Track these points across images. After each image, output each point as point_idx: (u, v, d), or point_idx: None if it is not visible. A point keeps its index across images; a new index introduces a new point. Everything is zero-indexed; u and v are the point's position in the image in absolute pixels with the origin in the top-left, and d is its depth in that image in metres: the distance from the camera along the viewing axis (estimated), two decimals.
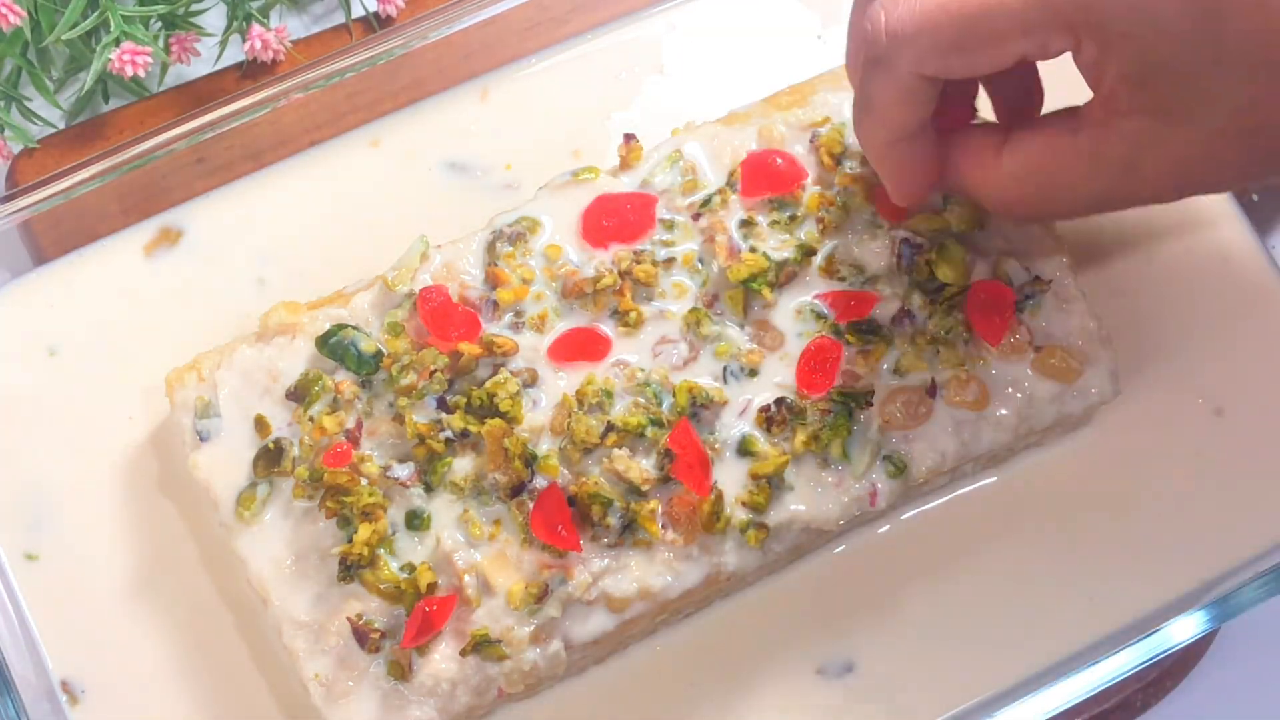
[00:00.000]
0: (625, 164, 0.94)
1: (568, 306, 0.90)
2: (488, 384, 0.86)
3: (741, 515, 0.86)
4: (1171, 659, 0.98)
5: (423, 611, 0.83)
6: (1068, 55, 0.75)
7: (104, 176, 0.96)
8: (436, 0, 1.09)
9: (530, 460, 0.85)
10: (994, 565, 0.95)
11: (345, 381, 0.88)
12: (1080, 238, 0.99)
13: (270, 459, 0.87)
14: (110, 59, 1.01)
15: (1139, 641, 0.90)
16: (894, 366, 0.89)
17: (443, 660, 0.84)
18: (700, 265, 0.91)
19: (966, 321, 0.89)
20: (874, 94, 0.80)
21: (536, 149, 1.01)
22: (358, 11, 1.10)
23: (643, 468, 0.85)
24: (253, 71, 1.08)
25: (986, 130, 0.84)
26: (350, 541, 0.84)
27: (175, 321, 0.97)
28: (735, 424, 0.88)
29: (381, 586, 0.84)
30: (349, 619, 0.84)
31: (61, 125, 1.07)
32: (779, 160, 0.93)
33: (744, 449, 0.87)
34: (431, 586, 0.84)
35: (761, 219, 0.92)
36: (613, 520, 0.85)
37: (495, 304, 0.90)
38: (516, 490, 0.85)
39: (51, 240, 0.99)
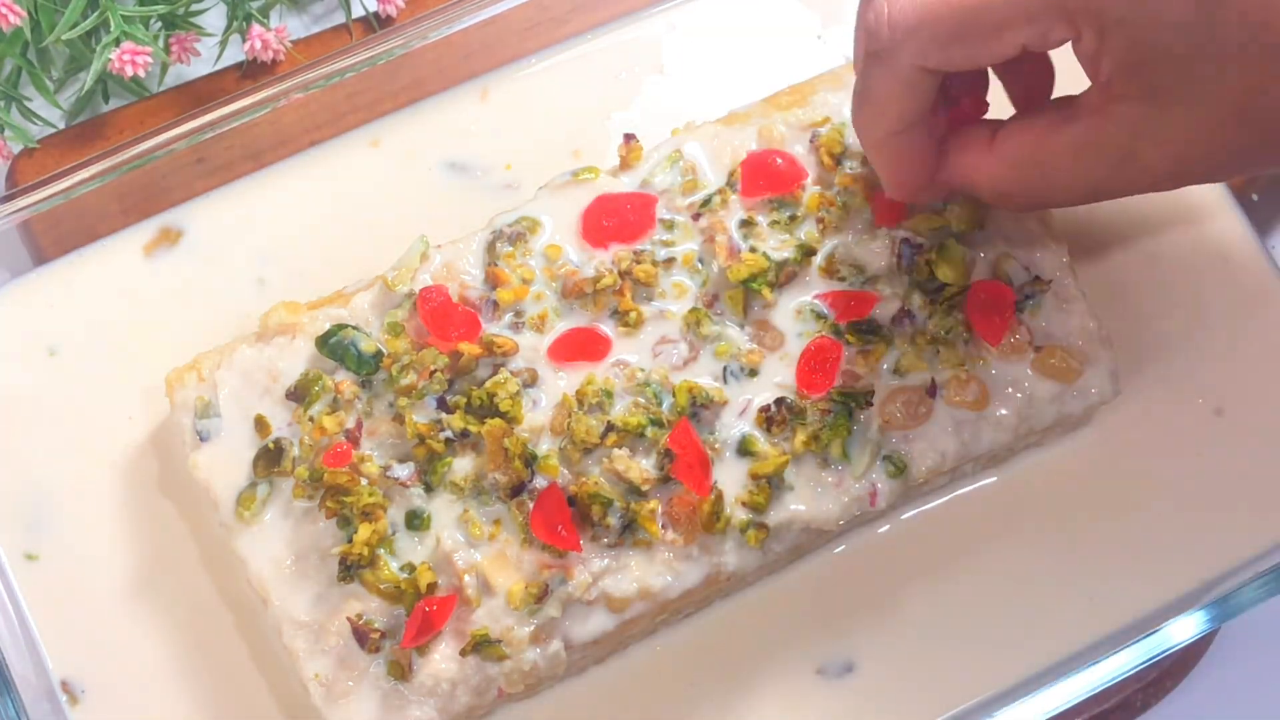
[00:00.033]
0: (625, 164, 0.94)
1: (568, 306, 0.90)
2: (488, 384, 0.86)
3: (741, 515, 0.86)
4: (1171, 659, 0.98)
5: (423, 611, 0.83)
6: (1067, 47, 0.75)
7: (104, 176, 0.96)
8: (436, 0, 1.09)
9: (530, 460, 0.85)
10: (994, 565, 0.95)
11: (345, 381, 0.88)
12: (1080, 237, 0.99)
13: (270, 459, 0.87)
14: (110, 59, 1.01)
15: (1139, 641, 0.90)
16: (894, 366, 0.89)
17: (443, 660, 0.84)
18: (700, 265, 0.91)
19: (966, 321, 0.89)
20: (874, 85, 0.80)
21: (536, 149, 1.01)
22: (358, 11, 1.10)
23: (643, 468, 0.85)
24: (253, 71, 1.08)
25: (980, 123, 0.84)
26: (350, 541, 0.84)
27: (175, 321, 0.97)
28: (735, 424, 0.88)
29: (381, 586, 0.84)
30: (349, 619, 0.84)
31: (61, 125, 1.07)
32: (779, 160, 0.93)
33: (744, 449, 0.87)
34: (431, 586, 0.84)
35: (761, 219, 0.92)
36: (613, 520, 0.85)
37: (495, 304, 0.90)
38: (516, 490, 0.85)
39: (51, 240, 0.99)
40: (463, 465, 0.86)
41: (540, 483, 0.85)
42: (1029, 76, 0.85)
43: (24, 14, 1.01)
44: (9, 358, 0.97)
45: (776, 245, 0.91)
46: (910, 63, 0.77)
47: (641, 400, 0.87)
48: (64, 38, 1.01)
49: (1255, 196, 1.02)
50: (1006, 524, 0.95)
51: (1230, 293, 1.00)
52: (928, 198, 0.88)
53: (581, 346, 0.89)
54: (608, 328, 0.90)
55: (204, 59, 1.07)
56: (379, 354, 0.88)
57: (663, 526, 0.86)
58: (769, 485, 0.86)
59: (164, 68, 1.09)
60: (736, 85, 1.02)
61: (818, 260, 0.91)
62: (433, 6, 1.06)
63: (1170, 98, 0.73)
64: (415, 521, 0.86)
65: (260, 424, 0.88)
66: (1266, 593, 0.91)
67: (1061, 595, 0.94)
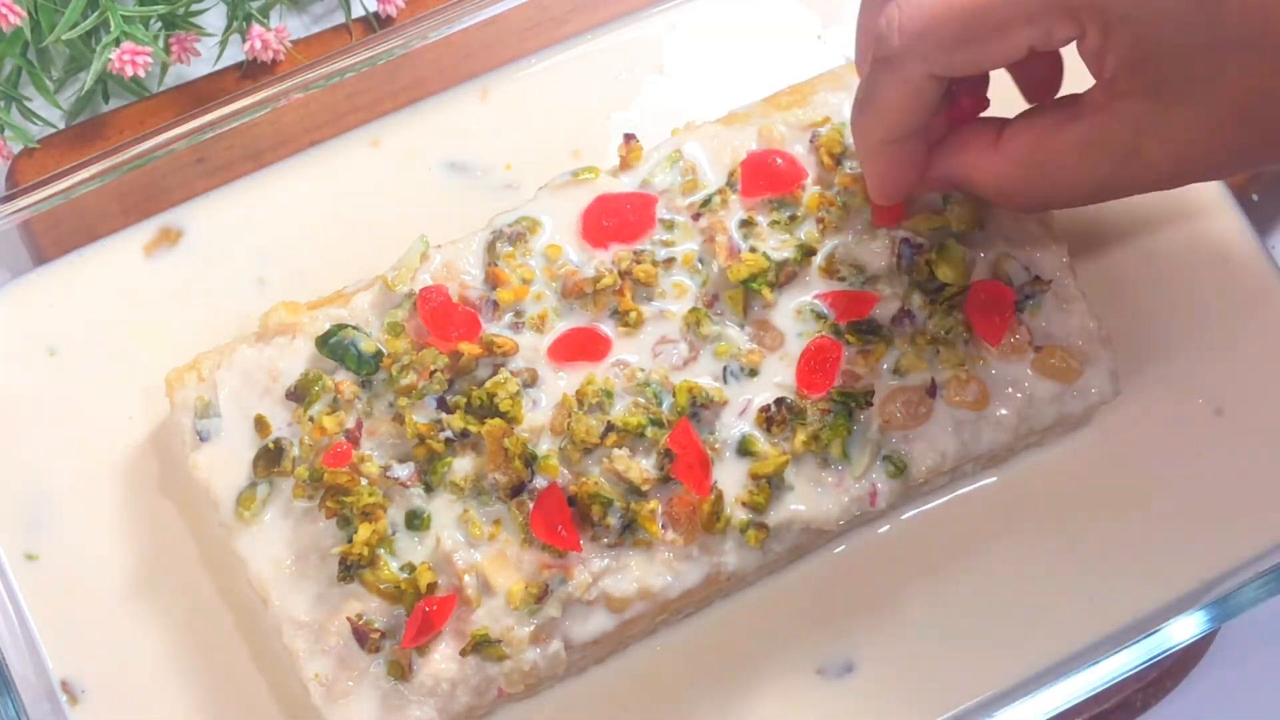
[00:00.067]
0: (625, 164, 0.94)
1: (568, 306, 0.90)
2: (488, 384, 0.86)
3: (741, 515, 0.86)
4: (1171, 659, 0.98)
5: (423, 611, 0.83)
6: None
7: (104, 176, 0.96)
8: (436, 0, 1.09)
9: (530, 460, 0.85)
10: (994, 565, 0.95)
11: (345, 381, 0.88)
12: (1080, 237, 0.99)
13: (270, 459, 0.87)
14: (110, 59, 1.01)
15: (1139, 641, 0.90)
16: (894, 366, 0.89)
17: (443, 660, 0.84)
18: (700, 265, 0.91)
19: (966, 321, 0.89)
20: (881, 92, 0.80)
21: (536, 149, 1.01)
22: (358, 11, 1.10)
23: (643, 468, 0.85)
24: (253, 71, 1.08)
25: (985, 121, 0.84)
26: (350, 541, 0.84)
27: (175, 321, 0.97)
28: (735, 424, 0.88)
29: (381, 586, 0.84)
30: (349, 619, 0.84)
31: (61, 125, 1.08)
32: (779, 160, 0.93)
33: (744, 449, 0.87)
34: (431, 586, 0.84)
35: (761, 219, 0.92)
36: (613, 520, 0.85)
37: (495, 304, 0.90)
38: (516, 490, 0.85)
39: (51, 240, 0.99)
40: (463, 465, 0.86)
41: (540, 483, 0.85)
42: (1041, 71, 0.85)
43: (24, 14, 1.01)
44: (9, 358, 0.97)
45: (776, 245, 0.91)
46: (919, 70, 0.77)
47: (641, 400, 0.87)
48: (64, 38, 1.01)
49: (1255, 196, 1.02)
50: (1006, 524, 0.95)
51: (1230, 293, 1.00)
52: (914, 193, 0.88)
53: (581, 346, 0.89)
54: (608, 328, 0.90)
55: (204, 59, 1.07)
56: (379, 354, 0.88)
57: (663, 526, 0.86)
58: (769, 485, 0.86)
59: (164, 68, 1.09)
60: (736, 85, 1.02)
61: (818, 260, 0.91)
62: (433, 6, 1.06)
63: (1174, 94, 0.73)
64: (415, 521, 0.86)
65: (260, 424, 0.88)
66: (1266, 593, 0.91)
67: (1061, 595, 0.94)
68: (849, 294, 0.90)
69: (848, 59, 1.01)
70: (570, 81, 1.04)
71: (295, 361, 0.90)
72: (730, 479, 0.86)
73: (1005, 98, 0.86)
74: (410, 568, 0.85)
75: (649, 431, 0.86)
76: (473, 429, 0.86)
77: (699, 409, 0.87)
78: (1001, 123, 0.83)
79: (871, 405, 0.88)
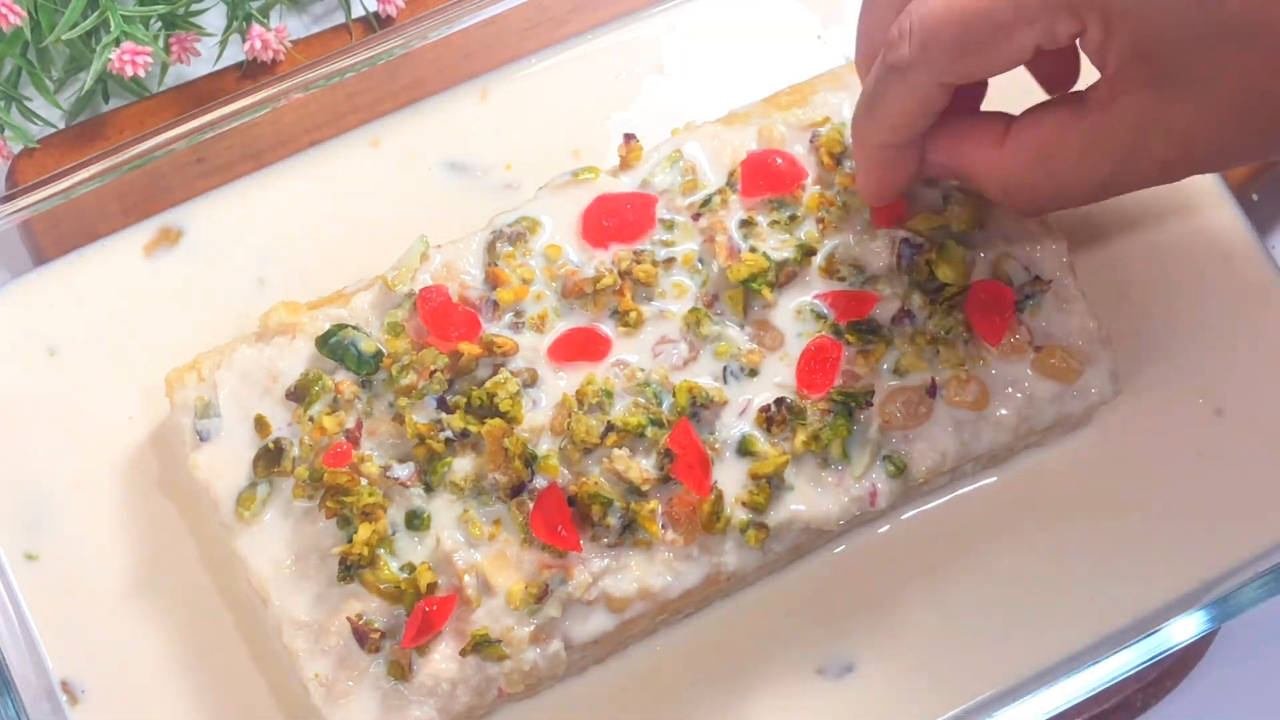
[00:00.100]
0: (625, 164, 0.94)
1: (568, 306, 0.90)
2: (488, 384, 0.86)
3: (741, 515, 0.86)
4: (1171, 659, 0.98)
5: (423, 611, 0.83)
6: None
7: (104, 176, 0.96)
8: (436, 0, 1.09)
9: (530, 460, 0.85)
10: (994, 565, 0.95)
11: (345, 381, 0.88)
12: (1081, 238, 0.99)
13: (270, 459, 0.87)
14: (110, 59, 1.01)
15: (1139, 641, 0.90)
16: (894, 366, 0.89)
17: (443, 660, 0.84)
18: (700, 265, 0.91)
19: (966, 321, 0.89)
20: (888, 99, 0.80)
21: (536, 149, 1.01)
22: (358, 11, 1.10)
23: (643, 468, 0.85)
24: (253, 71, 1.08)
25: (991, 116, 0.84)
26: (350, 541, 0.84)
27: (175, 321, 0.97)
28: (735, 424, 0.88)
29: (381, 586, 0.84)
30: (349, 619, 0.84)
31: (61, 125, 1.07)
32: (779, 160, 0.93)
33: (744, 449, 0.87)
34: (431, 586, 0.84)
35: (761, 219, 0.92)
36: (613, 520, 0.85)
37: (495, 304, 0.90)
38: (516, 490, 0.85)
39: (51, 240, 0.99)
40: (463, 465, 0.86)
41: (540, 483, 0.85)
42: (1058, 64, 0.85)
43: (24, 14, 1.01)
44: (9, 358, 0.97)
45: (776, 245, 0.91)
46: (928, 78, 0.78)
47: (641, 400, 0.87)
48: (64, 38, 1.01)
49: (1255, 196, 1.02)
50: (1006, 524, 0.95)
51: (1230, 293, 1.00)
52: (907, 189, 0.89)
53: (581, 346, 0.89)
54: (608, 328, 0.90)
55: (204, 59, 1.07)
56: (379, 354, 0.88)
57: (663, 526, 0.86)
58: (769, 485, 0.86)
59: (164, 68, 1.09)
60: (736, 85, 1.02)
61: (818, 260, 0.91)
62: (433, 6, 1.06)
63: (1176, 88, 0.74)
64: (415, 521, 0.86)
65: (260, 424, 0.88)
66: (1266, 593, 0.91)
67: (1061, 595, 0.94)
68: (849, 294, 0.90)
69: (848, 59, 1.01)
70: (570, 81, 1.04)
71: (295, 361, 0.90)
72: (730, 479, 0.86)
73: (1008, 94, 0.86)
74: (410, 568, 0.85)
75: (649, 431, 0.86)
76: (473, 429, 0.86)
77: (699, 409, 0.87)
78: (1006, 119, 0.83)
79: (871, 405, 0.88)
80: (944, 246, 0.90)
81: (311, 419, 0.87)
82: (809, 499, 0.87)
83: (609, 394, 0.87)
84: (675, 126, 0.96)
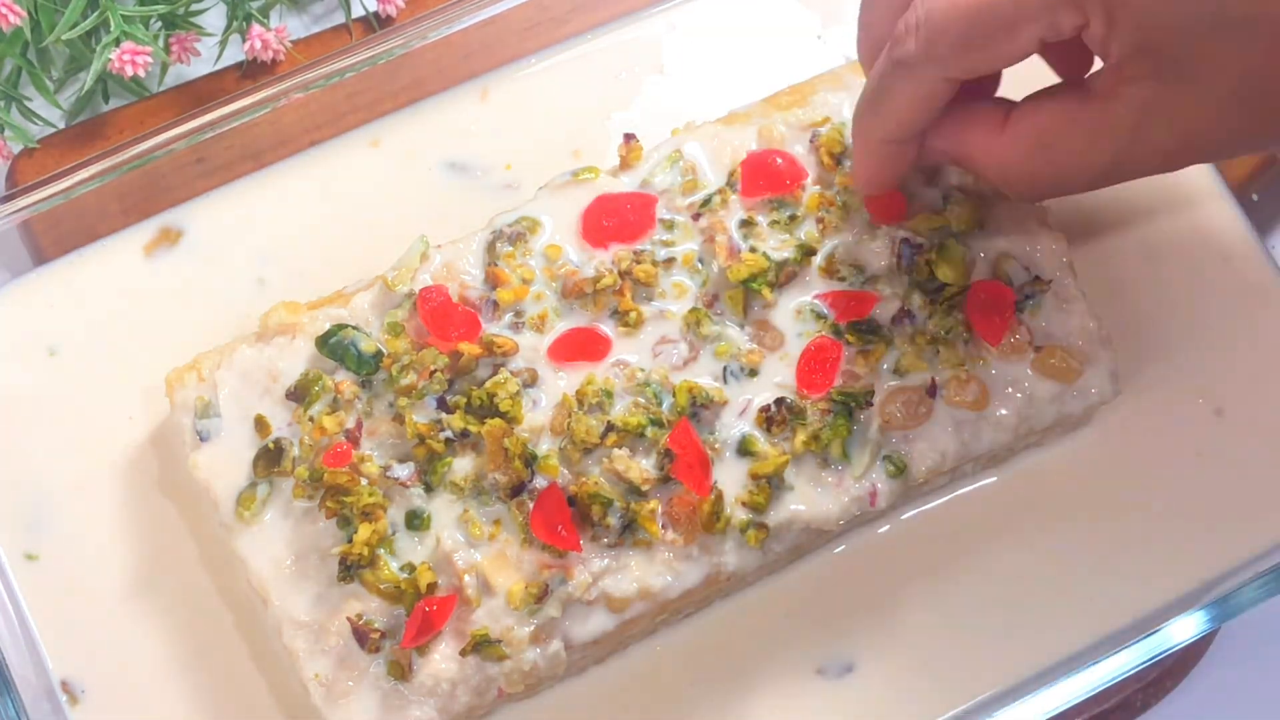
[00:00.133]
0: (625, 164, 0.94)
1: (568, 306, 0.90)
2: (488, 384, 0.86)
3: (741, 515, 0.86)
4: (1171, 659, 0.98)
5: (423, 611, 0.83)
6: None
7: (104, 176, 0.96)
8: (436, 0, 1.09)
9: (530, 460, 0.85)
10: (994, 565, 0.95)
11: (345, 381, 0.88)
12: (1080, 237, 0.99)
13: (270, 459, 0.87)
14: (110, 59, 1.01)
15: (1139, 641, 0.90)
16: (894, 366, 0.89)
17: (443, 660, 0.84)
18: (700, 265, 0.91)
19: (966, 321, 0.89)
20: (894, 95, 0.81)
21: (536, 149, 1.01)
22: (358, 11, 1.10)
23: (643, 468, 0.85)
24: (253, 71, 1.08)
25: (992, 102, 0.84)
26: (350, 541, 0.84)
27: (175, 321, 0.97)
28: (735, 424, 0.88)
29: (381, 586, 0.84)
30: (349, 619, 0.84)
31: (61, 125, 1.07)
32: (779, 160, 0.93)
33: (744, 449, 0.87)
34: (431, 586, 0.84)
35: (761, 219, 0.92)
36: (613, 520, 0.85)
37: (495, 304, 0.90)
38: (516, 490, 0.85)
39: (51, 240, 0.99)
40: (463, 465, 0.86)
41: (540, 483, 0.85)
42: (1070, 51, 0.85)
43: (24, 14, 1.01)
44: (9, 358, 0.97)
45: (776, 245, 0.91)
46: (935, 74, 0.78)
47: (641, 400, 0.87)
48: (64, 38, 1.01)
49: (1255, 196, 1.02)
50: (1006, 524, 0.95)
51: (1230, 293, 1.00)
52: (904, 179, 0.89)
53: (581, 346, 0.89)
54: (608, 328, 0.90)
55: (204, 59, 1.07)
56: (379, 354, 0.88)
57: (663, 526, 0.86)
58: (769, 485, 0.86)
59: (164, 68, 1.09)
60: (736, 85, 1.02)
61: (818, 260, 0.91)
62: (433, 6, 1.06)
63: (1178, 80, 0.74)
64: (415, 521, 0.86)
65: (260, 424, 0.88)
66: (1266, 593, 0.91)
67: (1061, 595, 0.94)
68: (849, 294, 0.90)
69: (848, 59, 1.01)
70: (570, 81, 1.04)
71: (295, 361, 0.90)
72: (730, 479, 0.86)
73: (1012, 77, 0.86)
74: (410, 568, 0.85)
75: (649, 431, 0.86)
76: (473, 429, 0.86)
77: (699, 409, 0.87)
78: (1008, 105, 0.83)
79: (871, 405, 0.88)
80: (944, 246, 0.90)
81: (311, 419, 0.87)
82: (809, 499, 0.87)
83: (609, 394, 0.87)
84: (675, 126, 0.96)
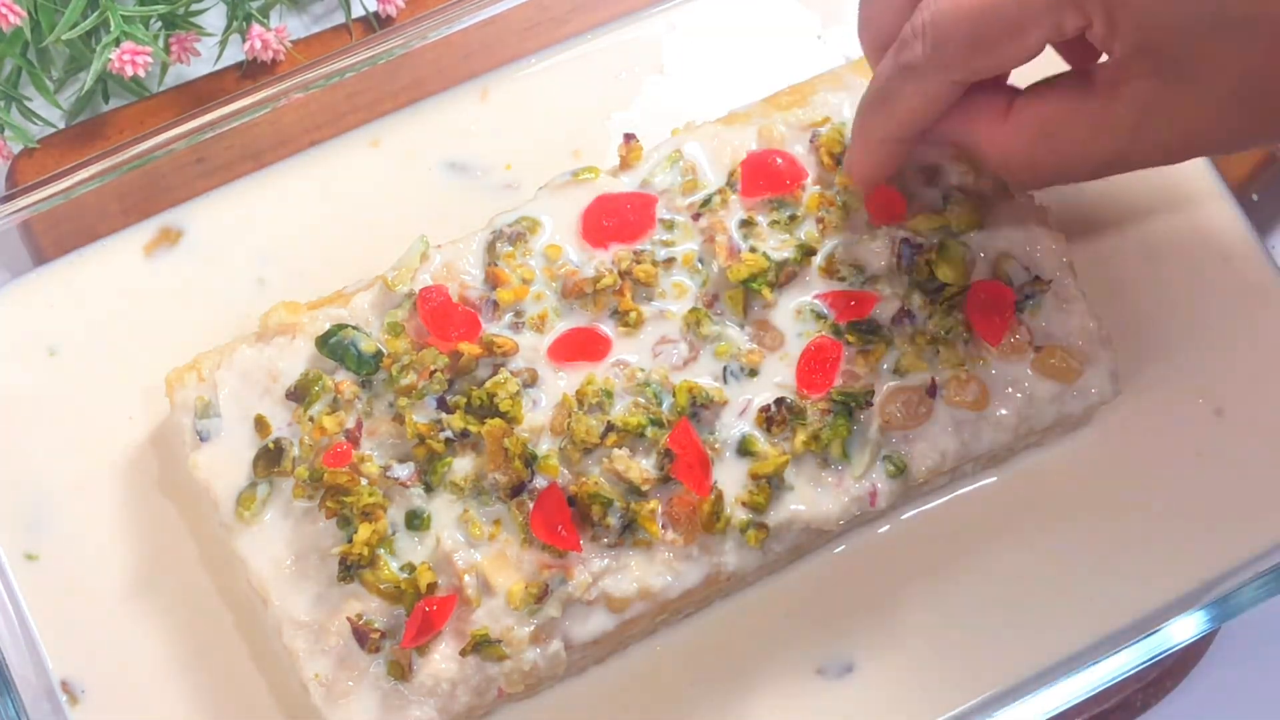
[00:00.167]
0: (625, 164, 0.94)
1: (568, 306, 0.90)
2: (488, 384, 0.86)
3: (741, 515, 0.86)
4: (1171, 659, 0.98)
5: (423, 611, 0.83)
6: None
7: (104, 176, 0.96)
8: (436, 0, 1.09)
9: (530, 460, 0.85)
10: (994, 565, 0.95)
11: (345, 381, 0.88)
12: (1081, 237, 0.99)
13: (270, 459, 0.87)
14: (110, 59, 1.01)
15: (1139, 641, 0.90)
16: (894, 366, 0.89)
17: (443, 660, 0.84)
18: (700, 265, 0.91)
19: (966, 321, 0.89)
20: (901, 96, 0.81)
21: (536, 149, 1.01)
22: (358, 11, 1.10)
23: (643, 468, 0.85)
24: (253, 71, 1.08)
25: (995, 90, 0.84)
26: (350, 541, 0.84)
27: (175, 321, 0.97)
28: (735, 424, 0.88)
29: (381, 586, 0.84)
30: (349, 619, 0.84)
31: (61, 125, 1.07)
32: (779, 160, 0.93)
33: (744, 449, 0.87)
34: (431, 586, 0.84)
35: (761, 219, 0.92)
36: (613, 520, 0.85)
37: (495, 304, 0.90)
38: (516, 490, 0.85)
39: (51, 240, 0.99)
40: (463, 465, 0.86)
41: (540, 483, 0.85)
42: (1078, 43, 0.86)
43: (24, 14, 1.01)
44: (9, 358, 0.97)
45: (776, 245, 0.91)
46: (941, 78, 0.79)
47: (641, 400, 0.87)
48: (64, 38, 1.01)
49: (1255, 196, 1.02)
50: (1006, 524, 0.95)
51: (1230, 293, 1.00)
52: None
53: (581, 346, 0.89)
54: (608, 328, 0.90)
55: (204, 59, 1.07)
56: (379, 354, 0.88)
57: (663, 526, 0.86)
58: (769, 485, 0.86)
59: (164, 68, 1.09)
60: (736, 85, 1.02)
61: (818, 260, 0.91)
62: (433, 6, 1.06)
63: (1179, 79, 0.75)
64: (415, 521, 0.86)
65: (260, 424, 0.88)
66: (1266, 593, 0.91)
67: (1061, 595, 0.94)
68: (849, 294, 0.90)
69: (848, 59, 1.01)
70: (570, 81, 1.04)
71: (295, 361, 0.90)
72: (730, 479, 0.86)
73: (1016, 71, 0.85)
74: (410, 568, 0.85)
75: (649, 431, 0.86)
76: (473, 429, 0.86)
77: (699, 409, 0.87)
78: (1012, 93, 0.84)
79: (871, 405, 0.88)
80: (944, 246, 0.90)
81: (311, 419, 0.87)
82: (809, 499, 0.87)
83: (609, 394, 0.87)
84: (675, 126, 0.96)
